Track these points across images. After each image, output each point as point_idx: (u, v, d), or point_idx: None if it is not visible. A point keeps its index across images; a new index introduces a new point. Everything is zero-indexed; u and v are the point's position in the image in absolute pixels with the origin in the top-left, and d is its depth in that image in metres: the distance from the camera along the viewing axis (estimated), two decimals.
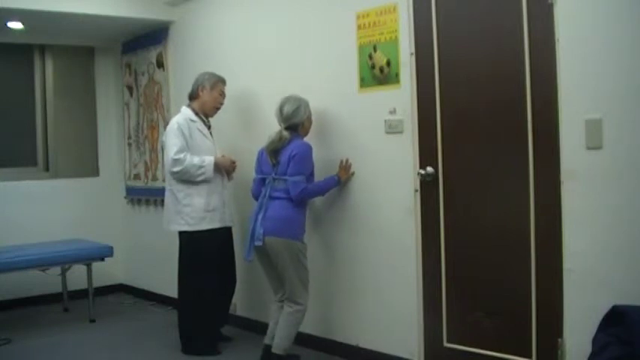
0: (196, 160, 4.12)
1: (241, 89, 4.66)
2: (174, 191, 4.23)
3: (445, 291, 3.48)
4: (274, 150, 3.78)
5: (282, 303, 3.83)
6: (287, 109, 3.79)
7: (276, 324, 3.82)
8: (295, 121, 3.81)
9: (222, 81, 4.38)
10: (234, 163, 4.36)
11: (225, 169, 4.31)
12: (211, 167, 4.15)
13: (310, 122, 3.92)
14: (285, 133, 3.78)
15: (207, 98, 4.30)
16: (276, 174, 3.78)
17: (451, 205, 3.45)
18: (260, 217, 3.75)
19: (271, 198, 3.78)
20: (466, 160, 3.38)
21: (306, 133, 3.91)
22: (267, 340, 3.85)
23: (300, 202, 3.76)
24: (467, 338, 3.39)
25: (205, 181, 4.17)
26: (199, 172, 4.12)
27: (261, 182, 3.89)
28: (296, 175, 3.70)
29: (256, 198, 3.90)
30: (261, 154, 3.92)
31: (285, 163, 3.73)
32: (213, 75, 4.36)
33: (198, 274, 4.20)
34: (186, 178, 4.15)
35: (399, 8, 3.60)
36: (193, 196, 4.18)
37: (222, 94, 4.39)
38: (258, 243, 3.72)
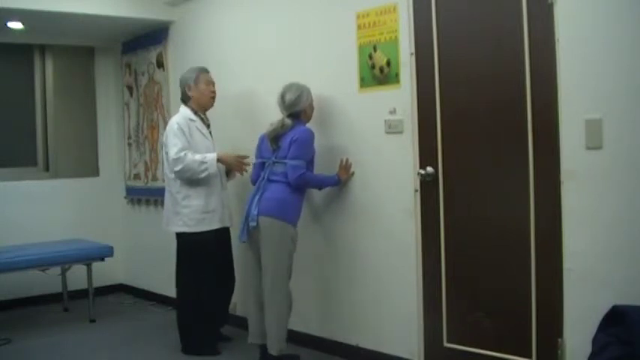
0: (198, 156, 4.08)
1: (241, 89, 4.66)
2: (173, 192, 4.23)
3: (445, 291, 3.48)
4: (276, 136, 3.79)
5: (261, 299, 3.80)
6: (289, 97, 3.81)
7: (256, 321, 3.82)
8: (297, 109, 3.82)
9: (203, 71, 4.32)
10: (241, 158, 4.23)
11: (229, 166, 4.24)
12: (214, 163, 4.10)
13: (312, 109, 3.93)
14: (288, 121, 3.79)
15: (197, 94, 4.27)
16: (276, 157, 3.78)
17: (451, 205, 3.45)
18: (256, 198, 3.76)
19: (269, 181, 3.79)
20: (466, 160, 3.38)
21: (308, 120, 3.92)
22: (253, 340, 3.86)
23: (297, 186, 3.76)
24: (467, 338, 3.39)
25: (207, 181, 4.15)
26: (202, 167, 4.06)
27: (261, 167, 3.90)
28: (296, 159, 3.71)
29: (254, 183, 3.91)
30: (262, 139, 3.94)
31: (286, 148, 3.74)
32: (192, 70, 4.32)
33: (195, 274, 4.20)
34: (189, 176, 4.10)
35: (399, 8, 3.60)
36: (192, 197, 4.16)
37: (210, 83, 4.32)
38: (252, 224, 3.72)
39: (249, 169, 4.19)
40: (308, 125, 3.90)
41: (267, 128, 3.88)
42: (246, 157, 4.23)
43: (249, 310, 3.93)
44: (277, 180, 3.77)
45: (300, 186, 3.79)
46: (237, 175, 4.45)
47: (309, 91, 3.88)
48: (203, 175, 4.08)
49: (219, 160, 4.14)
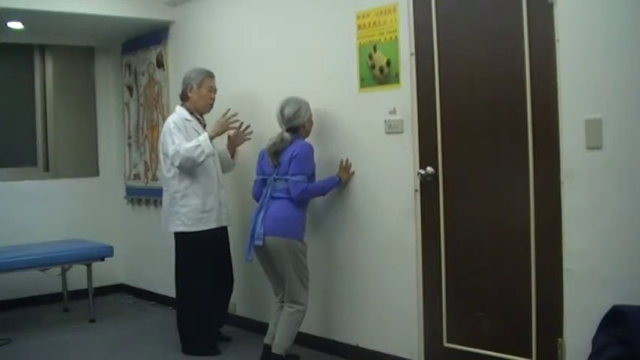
0: (190, 143, 4.05)
1: (241, 89, 4.66)
2: (171, 192, 4.22)
3: (445, 291, 3.48)
4: (276, 151, 3.78)
5: (282, 303, 3.84)
6: (288, 111, 3.80)
7: (276, 324, 3.83)
8: (296, 123, 3.81)
9: (209, 76, 4.31)
10: (225, 117, 4.19)
11: (222, 132, 4.18)
12: (207, 142, 4.04)
13: (311, 123, 3.93)
14: (287, 135, 3.78)
15: (196, 97, 4.26)
16: (277, 174, 3.78)
17: (451, 205, 3.45)
18: (261, 216, 3.76)
19: (272, 198, 3.78)
20: (466, 160, 3.38)
21: (307, 135, 3.92)
22: (267, 340, 3.86)
23: (300, 201, 3.77)
24: (467, 338, 3.39)
25: (204, 179, 4.16)
26: (198, 151, 4.02)
27: (262, 183, 3.89)
28: (297, 174, 3.71)
29: (257, 199, 3.91)
30: (262, 155, 3.93)
31: (287, 164, 3.73)
32: (199, 72, 4.30)
33: (194, 274, 4.20)
34: (191, 165, 4.08)
35: (399, 8, 3.60)
36: (190, 196, 4.16)
37: (212, 90, 4.32)
38: (258, 242, 3.72)
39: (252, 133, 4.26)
40: (307, 139, 3.88)
41: (266, 143, 3.86)
42: (226, 114, 4.18)
43: (271, 316, 3.93)
44: (280, 196, 3.76)
45: (304, 200, 3.80)
46: (240, 151, 4.42)
47: (308, 106, 3.87)
48: (202, 158, 4.04)
49: (211, 136, 4.09)
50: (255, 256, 3.83)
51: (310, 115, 3.89)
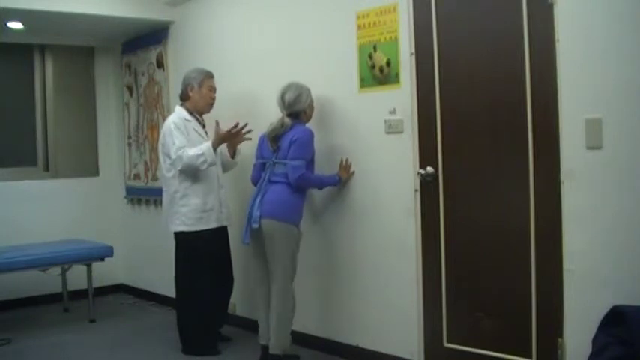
0: (193, 151, 4.05)
1: (241, 89, 4.66)
2: (171, 192, 4.23)
3: (445, 291, 3.48)
4: (275, 136, 3.78)
5: (268, 300, 3.81)
6: (288, 96, 3.80)
7: (264, 322, 3.82)
8: (297, 109, 3.82)
9: (209, 76, 4.33)
10: (232, 130, 4.08)
11: (224, 141, 4.15)
12: (210, 151, 4.04)
13: (312, 109, 3.92)
14: (287, 120, 3.78)
15: (197, 97, 4.27)
16: (276, 158, 3.78)
17: (451, 205, 3.45)
18: (258, 200, 3.76)
19: (270, 182, 3.78)
20: (466, 160, 3.38)
21: (308, 120, 3.92)
22: (262, 341, 3.86)
23: (298, 187, 3.76)
24: (467, 338, 3.39)
25: (204, 180, 4.16)
26: (200, 160, 4.03)
27: (261, 167, 3.90)
28: (296, 159, 3.71)
29: (255, 184, 3.91)
30: (261, 139, 3.93)
31: (286, 148, 3.74)
32: (199, 72, 4.32)
33: (194, 274, 4.20)
34: (193, 172, 4.10)
35: (399, 8, 3.60)
36: (190, 196, 4.16)
37: (212, 89, 4.34)
38: (255, 225, 3.71)
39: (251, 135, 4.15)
40: (307, 125, 3.90)
41: (266, 128, 3.88)
42: (235, 127, 4.08)
43: (259, 313, 3.94)
44: (278, 181, 3.76)
45: (301, 186, 3.79)
46: (240, 149, 4.39)
47: (308, 91, 3.87)
48: (204, 166, 4.06)
49: (214, 144, 4.07)
50: (250, 242, 3.81)
51: (311, 101, 3.89)
